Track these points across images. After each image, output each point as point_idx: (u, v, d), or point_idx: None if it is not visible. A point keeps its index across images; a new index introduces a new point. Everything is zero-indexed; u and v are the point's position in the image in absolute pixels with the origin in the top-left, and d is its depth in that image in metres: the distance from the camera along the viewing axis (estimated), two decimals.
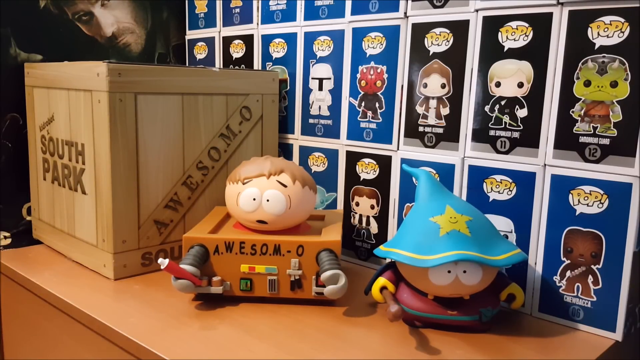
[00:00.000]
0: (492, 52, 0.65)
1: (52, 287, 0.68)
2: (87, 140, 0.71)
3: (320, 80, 0.84)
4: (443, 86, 0.69)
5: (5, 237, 0.86)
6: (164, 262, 0.60)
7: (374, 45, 0.76)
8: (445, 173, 0.70)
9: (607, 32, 0.57)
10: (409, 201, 0.74)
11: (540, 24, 0.61)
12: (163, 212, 0.74)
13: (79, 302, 0.64)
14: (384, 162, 0.77)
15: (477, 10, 0.66)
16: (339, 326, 0.60)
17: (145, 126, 0.70)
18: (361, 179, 0.79)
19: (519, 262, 0.58)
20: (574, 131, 0.59)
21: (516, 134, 0.64)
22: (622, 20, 0.56)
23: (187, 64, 1.08)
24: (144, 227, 0.72)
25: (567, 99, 0.60)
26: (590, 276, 0.60)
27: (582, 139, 0.59)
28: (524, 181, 0.63)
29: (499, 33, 0.64)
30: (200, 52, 1.04)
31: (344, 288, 0.60)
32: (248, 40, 0.94)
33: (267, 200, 0.63)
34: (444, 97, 0.69)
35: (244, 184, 0.65)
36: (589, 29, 0.58)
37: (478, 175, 0.67)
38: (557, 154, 0.61)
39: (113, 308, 0.63)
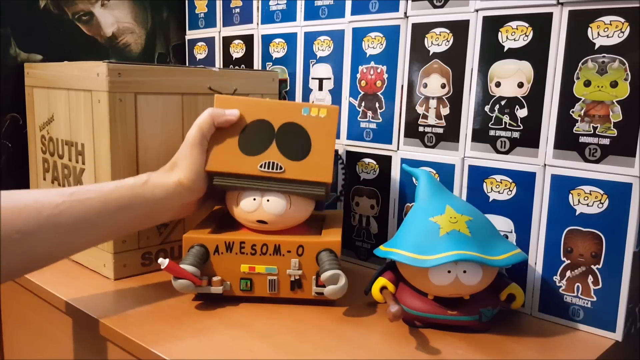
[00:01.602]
0: (492, 52, 0.65)
1: (52, 287, 0.68)
2: (87, 140, 0.71)
3: (320, 80, 0.84)
4: (443, 86, 0.69)
5: None
6: (164, 262, 0.60)
7: (374, 45, 0.76)
8: (445, 173, 0.70)
9: (607, 32, 0.57)
10: (409, 201, 0.74)
11: (540, 24, 0.61)
12: None
13: (79, 302, 0.64)
14: (384, 162, 0.77)
15: (477, 10, 0.66)
16: (339, 326, 0.60)
17: (145, 126, 0.70)
18: (361, 179, 0.79)
19: (519, 262, 0.58)
20: (574, 131, 0.59)
21: (516, 134, 0.64)
22: (622, 20, 0.56)
23: (187, 64, 1.08)
24: None
25: (567, 99, 0.60)
26: (590, 276, 0.60)
27: (582, 139, 0.59)
28: (524, 181, 0.63)
29: (499, 33, 0.64)
30: (200, 52, 1.04)
31: (344, 288, 0.60)
32: (248, 40, 0.94)
33: (267, 201, 0.63)
34: (444, 97, 0.69)
35: None
36: (589, 29, 0.58)
37: (478, 175, 0.67)
38: (557, 154, 0.61)
39: (113, 308, 0.63)
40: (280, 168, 0.62)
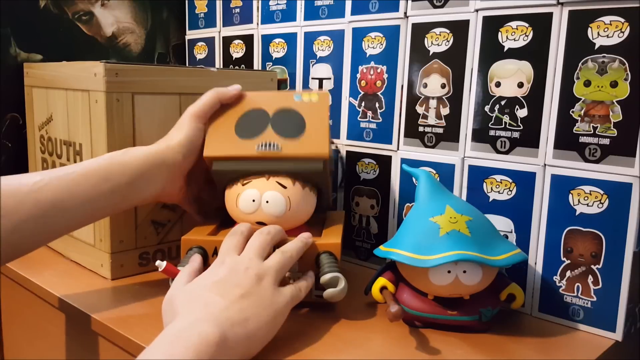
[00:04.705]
0: (492, 52, 0.65)
1: (52, 287, 0.68)
2: (85, 140, 0.71)
3: (320, 80, 0.84)
4: (443, 86, 0.69)
5: None
6: (161, 264, 0.59)
7: (374, 45, 0.76)
8: (445, 173, 0.70)
9: (607, 32, 0.57)
10: (409, 201, 0.74)
11: (540, 24, 0.61)
12: (160, 212, 0.74)
13: (78, 302, 0.64)
14: (384, 162, 0.76)
15: (477, 10, 0.66)
16: (339, 326, 0.60)
17: (143, 126, 0.70)
18: (361, 179, 0.79)
19: (519, 262, 0.58)
20: (574, 131, 0.59)
21: (516, 134, 0.64)
22: (622, 20, 0.56)
23: (187, 64, 1.08)
24: (141, 227, 0.72)
25: (567, 99, 0.60)
26: (590, 276, 0.60)
27: (582, 139, 0.59)
28: (524, 181, 0.63)
29: (499, 33, 0.64)
30: (200, 52, 1.04)
31: (344, 291, 0.59)
32: (248, 40, 0.94)
33: (267, 202, 0.63)
34: (444, 97, 0.69)
35: (243, 185, 0.64)
36: (589, 29, 0.58)
37: (478, 175, 0.67)
38: (557, 154, 0.61)
39: (112, 308, 0.63)
40: (277, 147, 0.63)
